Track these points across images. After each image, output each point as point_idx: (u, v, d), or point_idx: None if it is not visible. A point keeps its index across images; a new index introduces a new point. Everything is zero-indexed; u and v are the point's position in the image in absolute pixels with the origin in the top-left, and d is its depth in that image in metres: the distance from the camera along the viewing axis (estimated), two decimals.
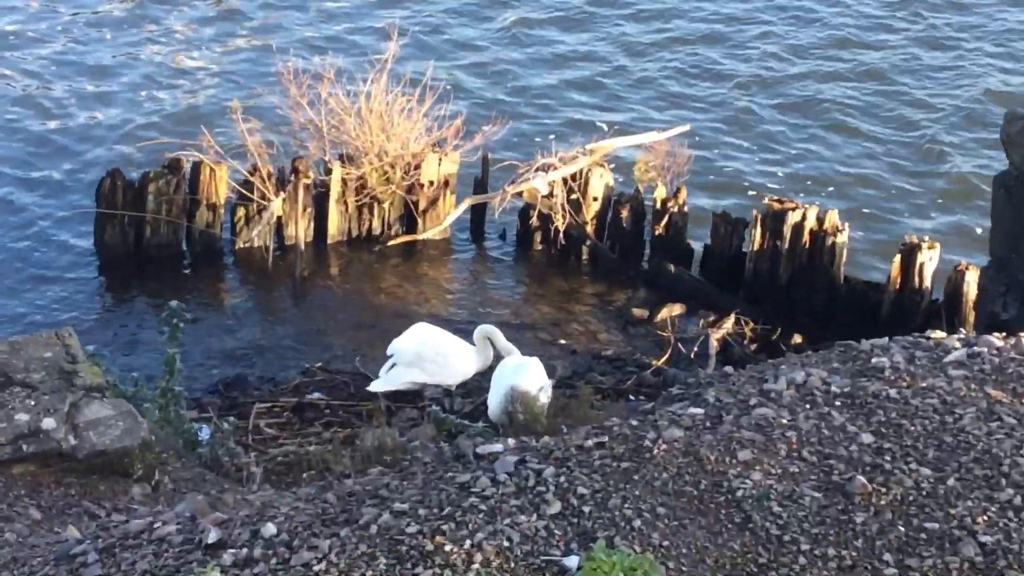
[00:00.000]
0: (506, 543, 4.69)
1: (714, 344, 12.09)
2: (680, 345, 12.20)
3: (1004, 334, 6.69)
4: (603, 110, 16.82)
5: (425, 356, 9.96)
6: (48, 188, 14.59)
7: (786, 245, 12.73)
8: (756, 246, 12.89)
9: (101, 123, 16.05)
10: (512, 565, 4.59)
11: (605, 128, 15.31)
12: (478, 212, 14.23)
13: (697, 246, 13.55)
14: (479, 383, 10.36)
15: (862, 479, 5.15)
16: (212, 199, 13.30)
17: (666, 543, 4.78)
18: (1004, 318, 9.93)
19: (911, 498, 5.08)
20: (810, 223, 12.69)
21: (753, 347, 12.28)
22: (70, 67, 17.46)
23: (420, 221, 13.84)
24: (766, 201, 13.02)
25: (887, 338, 6.61)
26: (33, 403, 6.62)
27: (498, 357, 9.82)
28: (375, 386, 10.15)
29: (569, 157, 13.42)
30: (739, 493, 5.06)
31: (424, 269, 13.64)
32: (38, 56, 17.72)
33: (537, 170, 13.35)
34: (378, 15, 19.05)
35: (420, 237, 13.87)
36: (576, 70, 17.94)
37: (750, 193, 15.05)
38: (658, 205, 13.39)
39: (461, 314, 12.77)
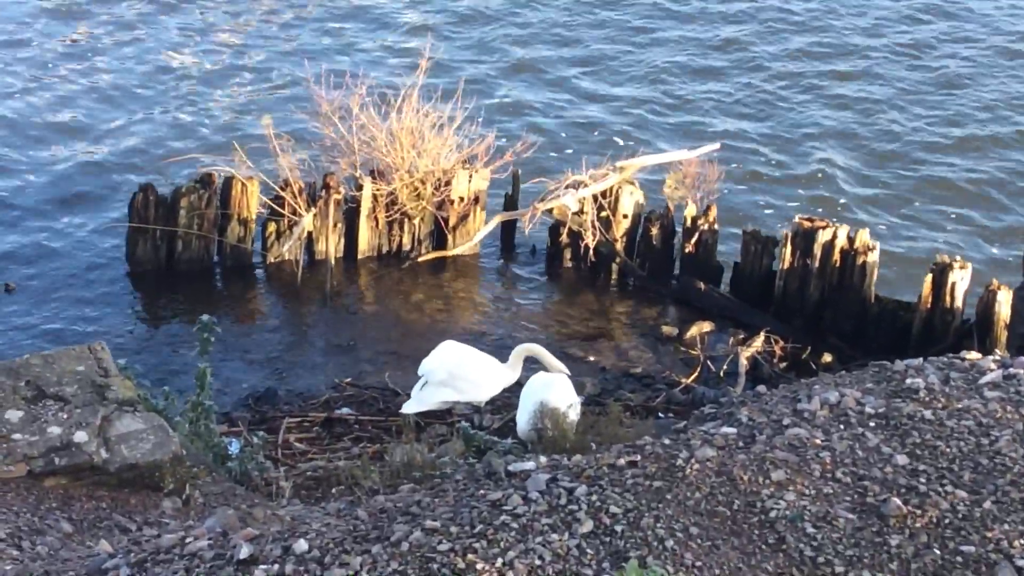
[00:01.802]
0: (538, 562, 4.66)
1: (744, 362, 12.04)
2: (709, 363, 12.17)
3: None
4: (634, 127, 16.81)
5: (457, 374, 9.95)
6: (81, 202, 14.68)
7: (816, 264, 12.68)
8: (786, 264, 12.85)
9: (133, 138, 16.15)
10: None
11: (620, 143, 15.30)
12: (508, 229, 14.24)
13: (727, 264, 13.51)
14: (508, 399, 10.36)
15: (897, 501, 5.10)
16: (243, 214, 13.35)
17: (699, 563, 4.75)
18: None
19: (947, 521, 5.04)
20: (841, 242, 12.63)
21: (783, 366, 12.23)
22: (101, 82, 17.58)
23: (450, 237, 13.85)
24: (797, 219, 12.97)
25: (921, 359, 6.56)
26: (65, 416, 6.65)
27: (530, 373, 9.81)
28: (408, 407, 10.07)
29: (599, 174, 13.42)
30: (772, 514, 5.03)
31: (454, 285, 13.65)
32: (70, 71, 17.86)
33: (567, 187, 13.36)
34: (410, 32, 19.13)
35: (450, 253, 13.88)
36: (608, 87, 17.95)
37: (781, 211, 15.00)
38: (688, 223, 13.36)
39: (491, 330, 12.78)
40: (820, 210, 14.57)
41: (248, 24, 19.52)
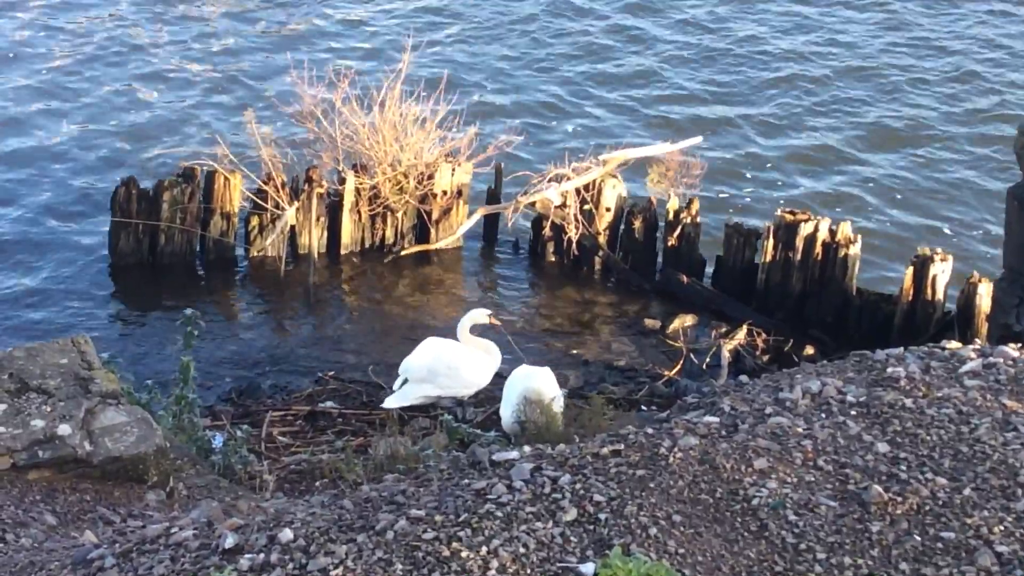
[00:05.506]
0: (522, 550, 4.69)
1: (726, 355, 12.09)
2: (692, 356, 12.21)
3: (1019, 345, 6.67)
4: (617, 121, 16.84)
5: (437, 371, 9.98)
6: (64, 196, 14.65)
7: (799, 256, 12.73)
8: (768, 257, 12.89)
9: (116, 131, 16.11)
10: (528, 572, 4.59)
11: (602, 136, 15.32)
12: (491, 222, 14.26)
13: (709, 257, 13.55)
14: (491, 392, 10.38)
15: (878, 488, 5.14)
16: (226, 208, 13.34)
17: (682, 551, 4.78)
18: (1017, 330, 9.92)
19: (927, 508, 5.08)
20: (822, 235, 12.69)
21: (765, 358, 12.28)
22: (85, 75, 17.53)
23: (433, 231, 13.86)
24: (779, 212, 13.02)
25: (902, 348, 6.59)
26: (49, 409, 6.64)
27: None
28: (389, 403, 10.13)
29: (582, 167, 13.44)
30: (755, 501, 5.06)
31: (437, 279, 13.66)
32: (53, 64, 17.80)
33: (550, 180, 13.39)
34: (393, 26, 19.12)
35: (433, 247, 13.89)
36: (590, 81, 17.97)
37: (763, 204, 15.04)
38: (671, 216, 13.40)
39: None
40: (808, 204, 14.60)
41: (230, 19, 19.48)
